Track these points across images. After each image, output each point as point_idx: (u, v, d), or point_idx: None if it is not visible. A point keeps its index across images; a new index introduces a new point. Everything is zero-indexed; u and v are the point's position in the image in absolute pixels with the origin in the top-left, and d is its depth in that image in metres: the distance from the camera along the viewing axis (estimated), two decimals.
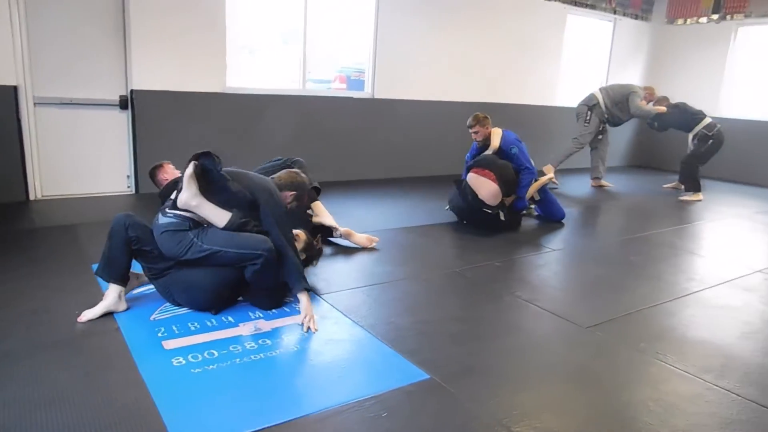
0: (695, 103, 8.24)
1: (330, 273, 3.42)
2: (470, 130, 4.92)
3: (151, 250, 2.77)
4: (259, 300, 2.87)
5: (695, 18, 8.75)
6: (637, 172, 8.93)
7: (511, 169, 4.75)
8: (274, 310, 2.86)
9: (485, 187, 4.59)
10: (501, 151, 4.84)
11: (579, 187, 7.21)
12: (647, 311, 3.21)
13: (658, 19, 9.11)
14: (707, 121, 6.80)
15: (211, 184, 2.76)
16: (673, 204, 6.51)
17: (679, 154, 7.27)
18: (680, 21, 8.94)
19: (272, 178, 3.09)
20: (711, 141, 6.72)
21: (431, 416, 2.04)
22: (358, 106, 6.39)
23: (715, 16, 8.51)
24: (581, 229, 5.11)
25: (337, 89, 7.06)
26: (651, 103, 7.02)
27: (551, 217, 5.20)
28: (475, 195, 4.60)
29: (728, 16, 8.38)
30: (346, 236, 3.98)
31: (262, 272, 2.73)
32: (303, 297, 2.78)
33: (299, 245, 3.18)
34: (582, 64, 8.61)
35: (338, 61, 7.18)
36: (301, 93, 6.02)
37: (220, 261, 2.73)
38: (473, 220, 4.75)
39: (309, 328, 2.67)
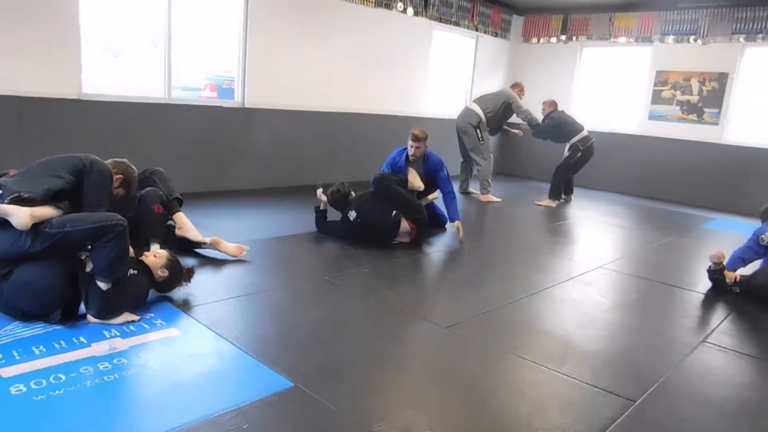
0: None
1: (195, 286, 3.31)
2: (414, 143, 4.98)
3: None
4: (94, 298, 2.71)
5: (547, 38, 9.56)
6: (504, 180, 9.53)
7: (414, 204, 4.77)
8: (131, 327, 2.73)
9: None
10: (429, 170, 5.05)
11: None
12: (503, 308, 3.44)
13: (515, 37, 9.83)
14: (584, 134, 7.24)
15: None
16: (532, 209, 7.02)
17: (546, 164, 7.86)
18: (534, 40, 9.72)
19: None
20: (580, 154, 7.22)
21: (293, 423, 2.05)
22: (227, 115, 6.25)
23: (563, 37, 9.35)
24: (452, 234, 5.35)
25: (208, 97, 6.87)
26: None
27: (434, 222, 5.26)
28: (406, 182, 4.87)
29: (574, 37, 9.24)
30: (215, 245, 3.88)
31: (115, 244, 2.66)
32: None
33: (160, 261, 3.08)
34: (449, 76, 9.07)
35: (209, 69, 6.99)
36: (167, 101, 5.77)
37: (72, 242, 2.64)
38: (371, 225, 4.60)
39: None
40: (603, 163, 9.00)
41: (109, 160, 3.16)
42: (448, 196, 5.07)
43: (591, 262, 4.65)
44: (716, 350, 3.04)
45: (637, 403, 2.40)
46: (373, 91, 7.74)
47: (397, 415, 2.16)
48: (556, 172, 7.36)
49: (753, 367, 2.92)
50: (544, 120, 7.39)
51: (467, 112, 7.15)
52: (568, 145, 7.36)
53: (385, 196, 4.72)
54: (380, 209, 4.63)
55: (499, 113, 7.20)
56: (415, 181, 5.06)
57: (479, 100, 7.27)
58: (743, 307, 3.80)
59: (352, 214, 4.61)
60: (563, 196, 7.59)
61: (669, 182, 8.48)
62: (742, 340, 3.28)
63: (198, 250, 3.99)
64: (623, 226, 6.42)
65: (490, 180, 7.16)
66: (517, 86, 7.48)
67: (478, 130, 7.03)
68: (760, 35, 7.63)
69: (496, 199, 7.13)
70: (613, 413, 2.30)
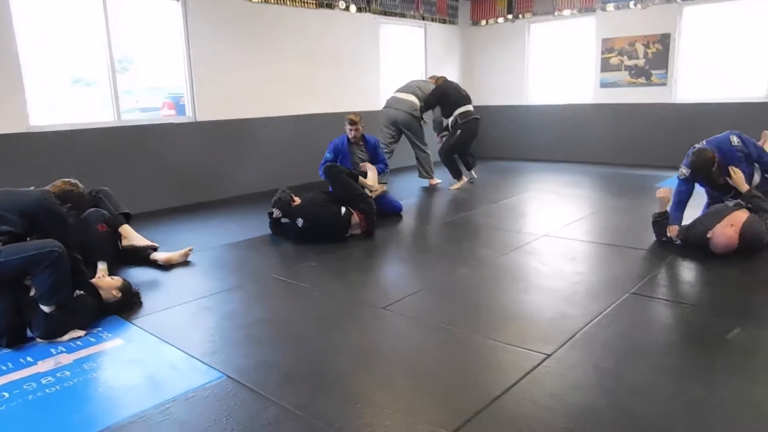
0: (507, 95, 9.13)
1: (144, 297, 3.47)
2: (352, 127, 5.66)
3: None
4: (37, 321, 2.87)
5: (494, 18, 9.75)
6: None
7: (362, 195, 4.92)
8: (77, 342, 2.89)
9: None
10: (371, 149, 5.84)
11: (404, 184, 7.69)
12: (440, 283, 3.62)
13: (464, 22, 10.02)
14: (464, 108, 6.88)
15: None
16: (485, 188, 7.19)
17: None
18: (483, 22, 9.90)
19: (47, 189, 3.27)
20: (459, 131, 6.88)
21: (217, 409, 2.22)
22: (179, 130, 6.39)
23: (510, 16, 9.54)
24: (401, 222, 5.52)
25: (166, 116, 6.99)
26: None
27: (389, 211, 5.50)
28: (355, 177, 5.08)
29: (520, 15, 9.43)
30: (163, 260, 4.05)
31: (52, 270, 2.79)
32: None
33: (115, 283, 3.26)
34: (402, 68, 9.24)
35: (165, 88, 7.10)
36: (116, 124, 5.91)
37: (9, 273, 2.78)
38: (321, 228, 4.70)
39: None
40: (561, 135, 9.26)
41: (57, 181, 3.36)
42: (381, 166, 5.76)
43: (537, 231, 4.83)
44: (642, 299, 3.23)
45: (551, 355, 2.59)
46: (325, 92, 7.88)
47: (324, 396, 2.34)
48: (441, 155, 7.10)
49: (671, 311, 3.12)
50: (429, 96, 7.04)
51: (405, 102, 6.97)
52: (450, 123, 7.07)
53: (333, 184, 4.91)
54: (327, 211, 4.74)
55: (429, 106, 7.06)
56: (369, 181, 5.29)
57: (411, 91, 7.06)
58: (680, 258, 3.98)
59: (300, 221, 4.76)
60: (468, 173, 7.42)
61: (626, 147, 8.69)
62: (669, 288, 3.50)
63: (153, 258, 4.15)
64: (577, 194, 6.62)
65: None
66: (434, 77, 7.29)
67: (422, 120, 7.13)
68: None
69: (438, 181, 7.29)
70: (527, 367, 2.48)
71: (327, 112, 7.85)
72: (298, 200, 4.89)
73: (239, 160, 6.93)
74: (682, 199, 4.27)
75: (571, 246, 4.40)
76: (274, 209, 4.87)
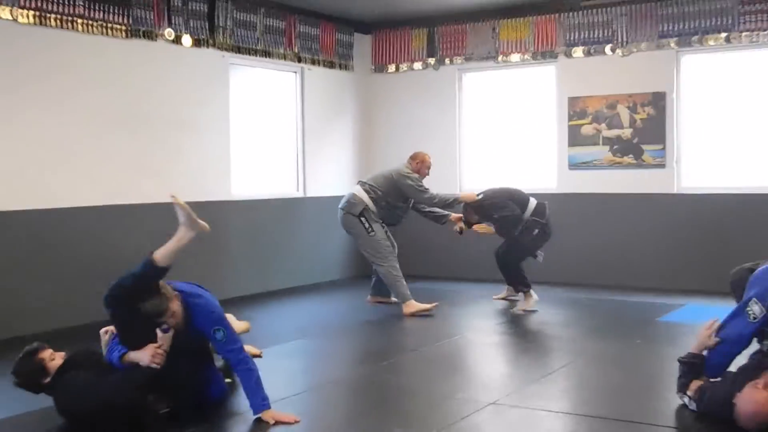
0: (429, 178, 7.14)
1: None
2: (161, 320, 3.36)
3: None
4: None
5: (409, 63, 7.78)
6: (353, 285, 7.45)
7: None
8: None
9: None
10: (199, 329, 3.41)
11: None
12: None
13: (363, 67, 7.96)
14: (533, 204, 5.81)
15: None
16: (411, 325, 5.53)
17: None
18: (391, 68, 7.87)
19: None
20: (537, 231, 5.85)
21: None
22: None
23: (432, 60, 7.61)
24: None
25: None
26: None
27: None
28: None
29: (447, 60, 7.56)
30: None
31: None
32: None
33: None
34: (265, 133, 7.26)
35: None
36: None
37: None
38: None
39: None
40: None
41: None
42: (240, 371, 3.36)
43: (481, 397, 3.68)
44: None
45: None
46: (134, 171, 5.80)
47: None
48: (510, 259, 6.03)
49: None
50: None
51: (348, 199, 5.97)
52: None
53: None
54: (93, 388, 3.22)
55: (391, 194, 5.97)
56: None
57: (372, 178, 6.07)
58: None
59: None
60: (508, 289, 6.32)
61: (609, 259, 6.81)
62: None
63: None
64: (542, 334, 5.39)
65: (403, 283, 5.88)
66: (415, 158, 6.06)
67: (363, 219, 5.87)
68: (695, 37, 6.39)
69: (427, 306, 5.76)
70: None
71: (149, 201, 5.75)
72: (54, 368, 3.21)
73: None
74: (734, 351, 3.36)
75: (536, 421, 3.37)
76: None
